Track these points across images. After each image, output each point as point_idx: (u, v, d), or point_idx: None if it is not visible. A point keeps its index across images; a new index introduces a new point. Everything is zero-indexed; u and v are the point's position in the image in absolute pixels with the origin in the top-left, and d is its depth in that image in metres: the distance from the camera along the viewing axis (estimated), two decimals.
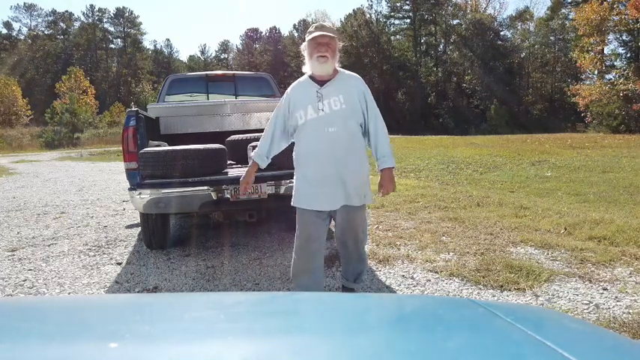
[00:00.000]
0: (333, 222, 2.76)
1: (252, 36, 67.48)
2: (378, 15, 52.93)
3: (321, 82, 2.48)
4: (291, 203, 2.60)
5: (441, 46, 50.43)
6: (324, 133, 2.42)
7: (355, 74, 2.63)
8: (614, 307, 2.75)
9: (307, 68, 2.53)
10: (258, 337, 0.57)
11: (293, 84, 2.61)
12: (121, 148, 4.14)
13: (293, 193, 2.60)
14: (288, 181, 3.77)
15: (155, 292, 3.38)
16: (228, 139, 4.61)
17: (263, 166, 2.64)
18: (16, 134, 34.53)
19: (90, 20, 62.88)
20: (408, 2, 50.03)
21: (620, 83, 24.31)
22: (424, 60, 50.05)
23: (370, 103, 2.56)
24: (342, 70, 2.56)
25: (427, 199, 6.32)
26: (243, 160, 4.31)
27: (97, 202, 7.51)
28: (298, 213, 2.58)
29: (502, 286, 3.09)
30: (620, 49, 28.71)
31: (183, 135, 5.16)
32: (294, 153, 2.60)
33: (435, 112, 43.90)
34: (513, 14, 47.97)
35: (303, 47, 2.52)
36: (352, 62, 43.02)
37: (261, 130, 5.20)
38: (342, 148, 2.45)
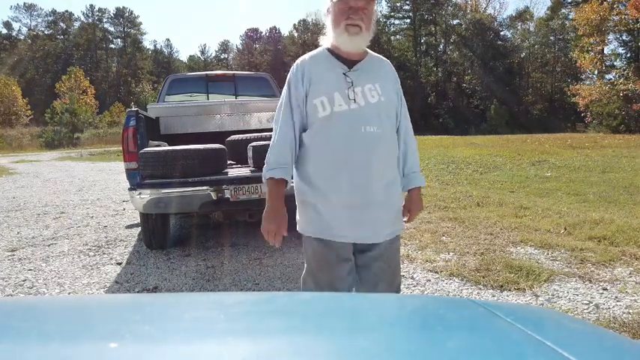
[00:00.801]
0: None
1: (252, 36, 67.52)
2: (378, 15, 52.90)
3: (348, 61, 1.73)
4: (301, 230, 1.82)
5: (441, 46, 50.45)
6: (360, 133, 1.66)
7: (385, 58, 1.92)
8: (614, 307, 2.75)
9: (327, 40, 1.77)
10: (258, 337, 0.57)
11: (304, 58, 1.79)
12: (121, 148, 4.15)
13: (301, 218, 1.81)
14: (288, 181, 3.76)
15: (155, 292, 3.38)
16: (228, 139, 4.61)
17: (290, 180, 1.76)
18: (16, 134, 34.56)
19: (90, 20, 62.94)
20: (408, 2, 50.05)
21: (620, 83, 24.33)
22: (424, 60, 50.04)
23: (403, 100, 1.89)
24: (368, 50, 1.83)
25: (427, 199, 6.32)
26: (243, 160, 4.31)
27: (96, 202, 7.51)
28: (314, 247, 1.78)
29: (502, 286, 3.09)
30: (620, 49, 28.75)
31: (183, 135, 5.17)
32: (302, 159, 1.77)
33: (435, 112, 43.90)
34: (513, 14, 48.06)
35: (327, 10, 1.74)
36: None
37: (262, 130, 5.25)
38: (383, 155, 1.73)
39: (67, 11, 64.06)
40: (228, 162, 4.25)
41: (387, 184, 1.77)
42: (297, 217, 1.84)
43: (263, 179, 1.73)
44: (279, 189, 1.71)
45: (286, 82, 1.78)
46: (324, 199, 1.71)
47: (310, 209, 1.75)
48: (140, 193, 3.72)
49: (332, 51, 1.76)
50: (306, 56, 1.80)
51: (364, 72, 1.74)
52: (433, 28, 49.57)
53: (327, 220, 1.72)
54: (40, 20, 62.06)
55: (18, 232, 5.39)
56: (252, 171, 3.97)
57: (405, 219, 1.91)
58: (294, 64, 1.79)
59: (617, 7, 24.63)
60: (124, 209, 6.67)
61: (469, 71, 45.54)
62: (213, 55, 69.80)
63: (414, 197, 1.90)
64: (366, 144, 1.68)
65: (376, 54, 1.88)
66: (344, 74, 1.70)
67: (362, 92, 1.70)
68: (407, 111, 1.91)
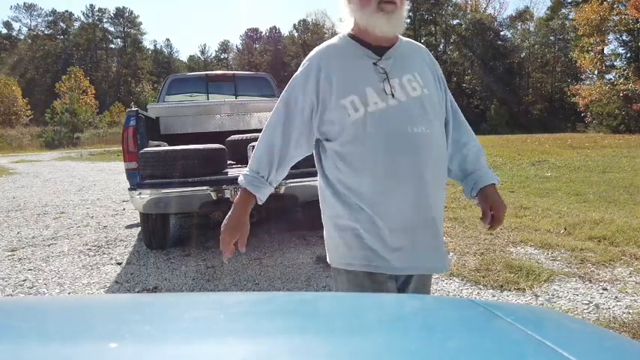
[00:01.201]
0: None
1: (252, 36, 67.53)
2: None
3: (376, 48, 1.38)
4: (336, 261, 1.43)
5: (441, 46, 50.46)
6: (406, 136, 1.32)
7: (420, 44, 1.57)
8: (614, 307, 2.75)
9: (346, 26, 1.43)
10: (258, 337, 0.57)
11: (321, 49, 1.42)
12: (121, 148, 4.15)
13: (334, 245, 1.43)
14: (288, 181, 3.77)
15: (155, 292, 3.38)
16: (228, 139, 4.62)
17: (264, 198, 1.44)
18: (16, 134, 34.58)
19: (90, 20, 62.98)
20: (408, 2, 50.07)
21: (620, 83, 24.33)
22: None
23: (448, 91, 1.56)
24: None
25: None
26: (243, 160, 4.31)
27: (96, 202, 7.51)
28: (356, 283, 1.37)
29: (502, 286, 3.09)
30: (620, 49, 28.72)
31: (183, 135, 5.17)
32: (334, 174, 1.40)
33: None
34: (513, 14, 48.04)
35: None
36: None
37: (262, 130, 5.26)
38: (436, 162, 1.39)
39: (67, 11, 64.16)
40: (228, 162, 4.25)
41: (442, 197, 1.45)
42: (327, 244, 1.46)
43: (239, 181, 1.44)
44: (249, 201, 1.42)
45: (292, 78, 1.41)
46: (367, 222, 1.35)
47: (348, 235, 1.37)
48: (140, 193, 3.72)
49: (355, 37, 1.40)
50: (323, 47, 1.42)
51: (399, 60, 1.39)
52: (433, 28, 49.60)
53: (373, 247, 1.35)
54: (40, 20, 62.15)
55: (18, 232, 5.39)
56: None
57: (489, 224, 1.48)
58: (308, 57, 1.41)
59: (617, 7, 24.63)
60: (124, 209, 6.67)
61: (469, 71, 45.53)
62: (213, 55, 69.86)
63: (494, 192, 1.48)
64: (416, 149, 1.33)
65: (408, 39, 1.53)
66: (374, 64, 1.36)
67: (400, 84, 1.36)
68: (453, 98, 1.57)
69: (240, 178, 1.43)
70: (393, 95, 1.33)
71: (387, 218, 1.34)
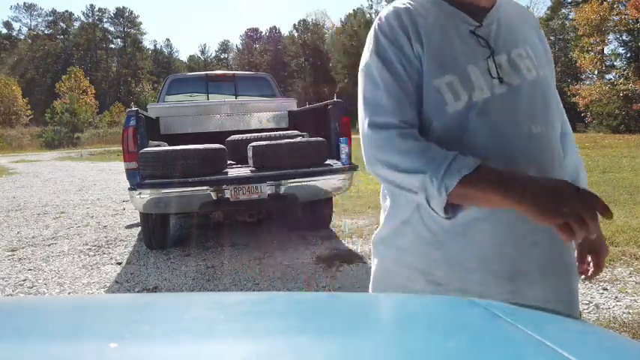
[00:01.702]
0: None
1: (252, 36, 67.59)
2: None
3: (471, 9, 0.94)
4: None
5: None
6: (524, 138, 0.91)
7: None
8: (614, 307, 2.75)
9: None
10: (258, 337, 0.57)
11: (397, 8, 0.94)
12: (121, 148, 4.15)
13: (381, 277, 1.11)
14: (288, 181, 3.77)
15: (155, 292, 3.38)
16: (228, 139, 4.63)
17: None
18: (16, 134, 34.62)
19: (90, 20, 63.07)
20: None
21: (620, 83, 24.34)
22: None
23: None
24: None
25: None
26: (243, 160, 4.31)
27: (96, 202, 7.52)
28: None
29: None
30: (620, 49, 28.74)
31: (183, 135, 5.18)
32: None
33: None
34: None
35: None
36: (352, 62, 43.13)
37: (262, 130, 5.26)
38: (560, 176, 0.94)
39: (67, 11, 64.27)
40: (228, 162, 4.26)
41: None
42: (376, 273, 1.11)
43: (441, 201, 0.82)
44: (491, 177, 0.81)
45: (372, 48, 0.94)
46: (452, 264, 0.92)
47: (419, 280, 0.96)
48: (140, 193, 3.72)
49: None
50: (399, 5, 0.95)
51: (504, 27, 0.96)
52: None
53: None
54: (40, 20, 62.25)
55: (18, 232, 5.39)
56: (252, 171, 3.97)
57: (588, 272, 1.03)
58: (383, 17, 0.95)
59: (617, 7, 24.64)
60: (124, 209, 6.67)
61: None
62: (213, 55, 69.93)
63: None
64: (537, 158, 0.91)
65: None
66: (472, 32, 0.93)
67: (509, 63, 0.93)
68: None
69: (461, 171, 0.80)
70: (501, 79, 0.91)
71: (488, 261, 0.90)
